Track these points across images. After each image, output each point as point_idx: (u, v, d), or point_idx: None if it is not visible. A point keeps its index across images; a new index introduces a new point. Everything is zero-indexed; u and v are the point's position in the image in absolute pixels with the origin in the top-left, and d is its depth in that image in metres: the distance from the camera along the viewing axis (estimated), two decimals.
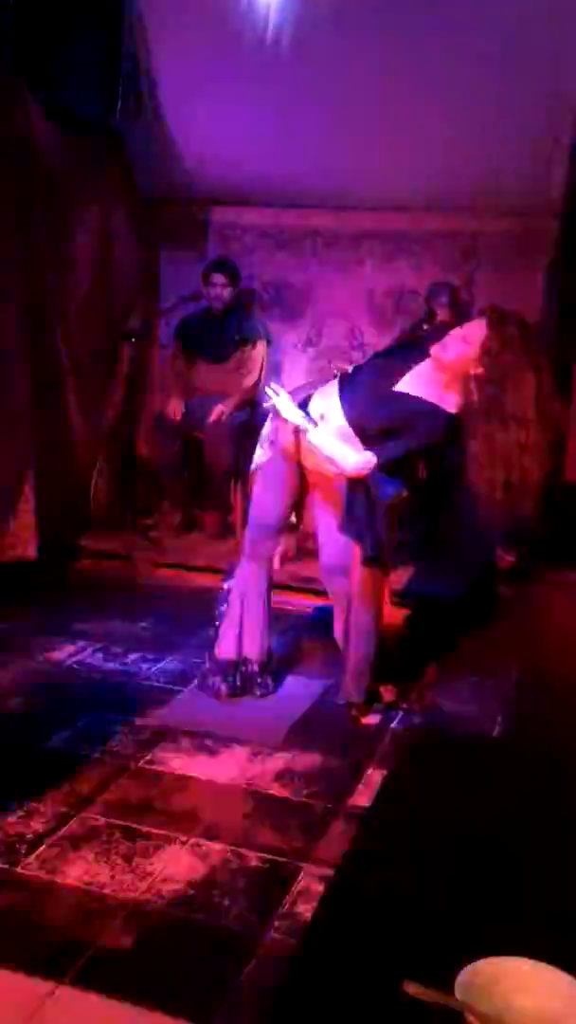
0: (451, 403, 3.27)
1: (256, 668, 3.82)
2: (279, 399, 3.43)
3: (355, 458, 3.33)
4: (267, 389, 3.50)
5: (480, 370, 3.14)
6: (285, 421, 3.47)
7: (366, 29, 4.87)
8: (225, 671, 3.79)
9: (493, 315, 3.20)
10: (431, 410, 3.28)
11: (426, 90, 5.01)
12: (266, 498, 3.70)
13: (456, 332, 3.23)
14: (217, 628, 3.83)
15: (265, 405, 3.53)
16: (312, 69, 5.08)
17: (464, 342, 3.18)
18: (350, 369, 3.53)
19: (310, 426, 3.36)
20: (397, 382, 3.35)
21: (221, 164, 5.79)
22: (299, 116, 5.33)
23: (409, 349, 3.46)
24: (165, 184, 6.13)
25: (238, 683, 3.80)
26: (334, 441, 3.35)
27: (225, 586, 3.85)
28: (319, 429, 3.36)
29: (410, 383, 3.35)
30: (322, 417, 3.44)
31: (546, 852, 1.63)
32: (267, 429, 3.69)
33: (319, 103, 5.24)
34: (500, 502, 3.19)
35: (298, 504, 4.01)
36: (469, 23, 4.70)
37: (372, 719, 3.66)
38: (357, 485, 3.42)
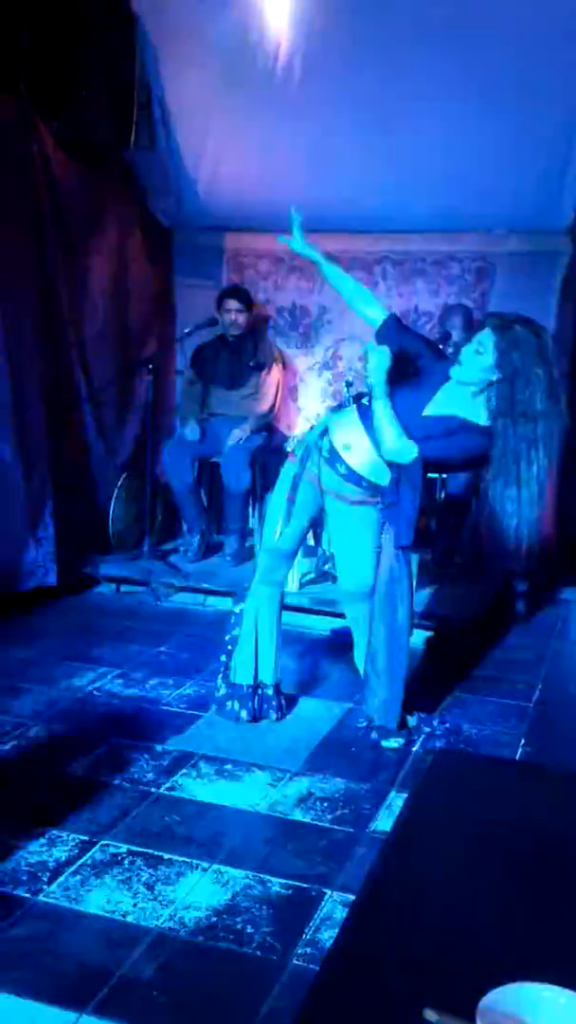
0: (481, 415, 3.31)
1: (272, 691, 3.82)
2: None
3: (397, 442, 3.31)
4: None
5: (499, 375, 3.21)
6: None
7: (376, 55, 4.90)
8: (243, 696, 3.79)
9: (497, 320, 3.28)
10: (468, 426, 3.32)
11: (438, 113, 5.03)
12: (283, 526, 3.70)
13: (468, 348, 3.28)
14: (230, 653, 3.83)
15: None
16: (324, 95, 5.12)
17: (478, 354, 3.23)
18: (365, 400, 3.54)
19: (380, 393, 3.35)
20: (423, 407, 3.38)
21: (234, 191, 5.83)
22: (311, 142, 5.37)
23: (426, 376, 3.47)
24: (179, 212, 6.18)
25: (256, 707, 3.80)
26: (390, 419, 3.33)
27: (236, 609, 3.86)
28: (378, 403, 3.36)
29: (438, 406, 3.38)
30: (346, 446, 3.47)
31: (570, 876, 1.61)
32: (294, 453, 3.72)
33: (331, 129, 5.27)
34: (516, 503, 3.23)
35: (316, 527, 4.01)
36: (480, 44, 4.73)
37: (394, 743, 3.66)
38: (399, 473, 3.40)
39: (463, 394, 3.34)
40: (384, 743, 3.66)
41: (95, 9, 5.07)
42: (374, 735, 3.68)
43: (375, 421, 3.36)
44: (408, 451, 3.29)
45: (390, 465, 3.38)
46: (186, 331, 5.83)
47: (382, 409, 3.34)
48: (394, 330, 3.54)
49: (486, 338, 3.23)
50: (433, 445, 3.30)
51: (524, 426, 3.19)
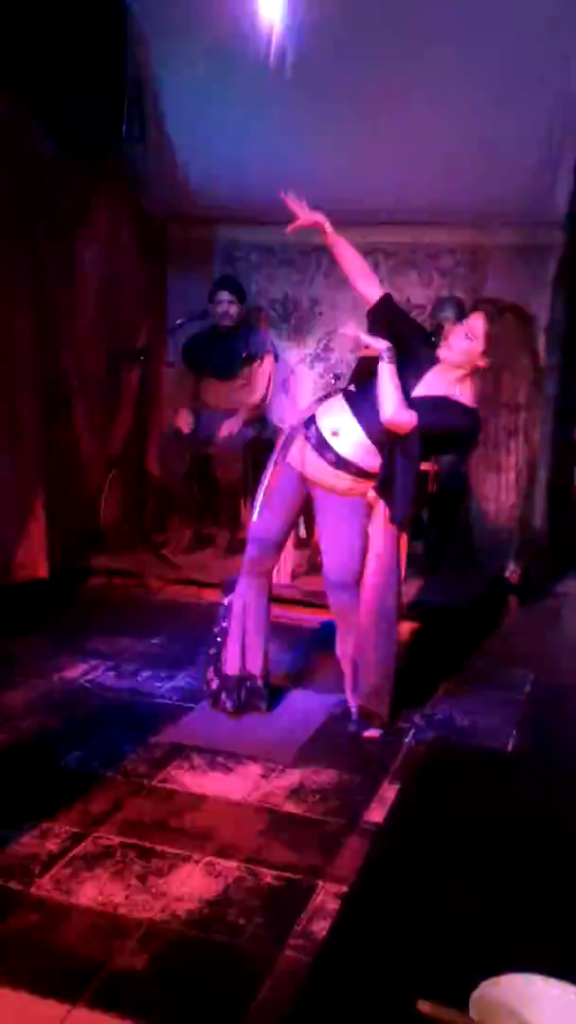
0: (467, 398, 3.34)
1: (260, 683, 3.83)
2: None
3: (399, 408, 3.31)
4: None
5: (486, 362, 3.25)
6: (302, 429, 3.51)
7: (368, 47, 4.89)
8: (230, 687, 3.79)
9: (489, 308, 3.32)
10: (458, 405, 3.32)
11: (430, 105, 5.02)
12: (267, 514, 3.70)
13: (459, 331, 3.31)
14: (220, 644, 3.83)
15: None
16: (315, 87, 5.11)
17: (468, 338, 3.26)
18: (352, 386, 3.53)
19: (384, 353, 3.36)
20: (411, 389, 3.39)
21: (226, 183, 5.81)
22: (303, 134, 5.35)
23: (415, 359, 3.47)
24: (170, 204, 6.16)
25: (243, 699, 3.80)
26: (392, 384, 3.33)
27: (225, 601, 3.85)
28: (384, 367, 3.35)
29: (426, 388, 3.39)
30: (334, 434, 3.46)
31: (561, 867, 1.62)
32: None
33: (322, 121, 5.26)
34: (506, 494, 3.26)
35: (307, 518, 3.99)
36: (471, 37, 4.72)
37: (374, 733, 3.66)
38: (390, 447, 3.39)
39: (450, 377, 3.37)
40: (365, 733, 3.67)
41: (87, 2, 5.05)
42: (351, 726, 3.69)
43: (380, 386, 3.35)
44: (407, 417, 3.29)
45: (382, 445, 3.38)
46: (178, 323, 5.82)
47: (388, 373, 3.34)
48: (388, 309, 3.54)
49: (477, 325, 3.25)
50: (424, 417, 3.31)
51: (508, 416, 3.22)
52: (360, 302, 3.63)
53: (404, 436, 3.33)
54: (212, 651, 3.86)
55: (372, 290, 3.54)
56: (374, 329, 3.49)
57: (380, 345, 3.36)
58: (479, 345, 3.24)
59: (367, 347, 3.46)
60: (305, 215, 3.53)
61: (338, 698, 3.90)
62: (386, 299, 3.54)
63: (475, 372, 3.30)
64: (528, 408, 3.25)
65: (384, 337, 3.44)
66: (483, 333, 3.23)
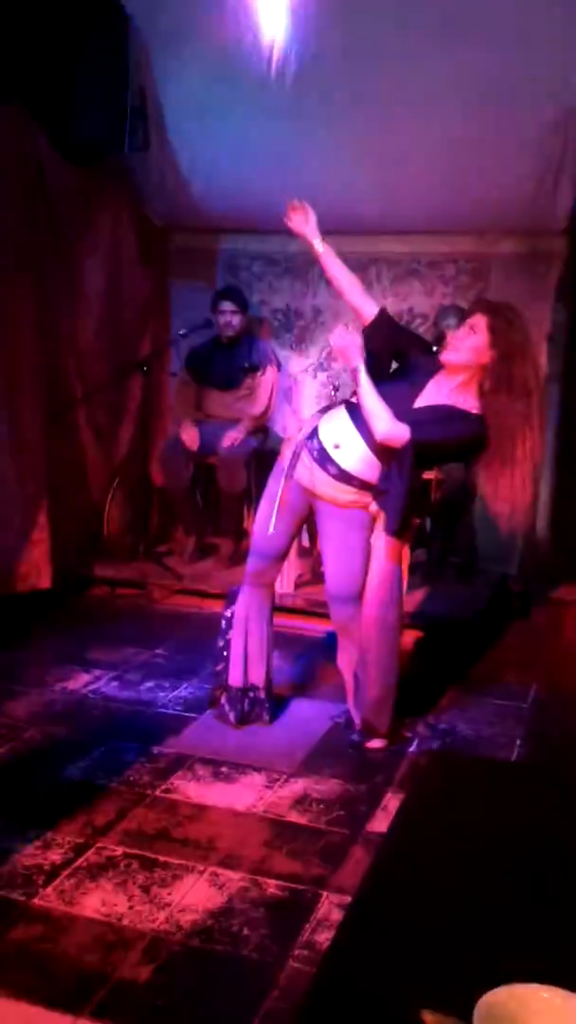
0: (472, 404, 3.31)
1: (263, 694, 3.82)
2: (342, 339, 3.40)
3: (389, 424, 3.28)
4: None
5: (492, 354, 3.23)
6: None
7: (372, 57, 4.90)
8: (232, 698, 3.78)
9: (486, 305, 3.35)
10: (461, 413, 3.31)
11: (432, 114, 5.03)
12: (270, 525, 3.69)
13: (459, 332, 3.30)
14: (226, 658, 3.82)
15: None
16: (318, 97, 5.12)
17: (471, 334, 3.25)
18: (354, 397, 3.53)
19: (362, 369, 3.33)
20: (414, 401, 3.37)
21: (228, 192, 5.82)
22: (306, 144, 5.36)
23: (415, 370, 3.46)
24: (173, 213, 6.17)
25: (246, 710, 3.80)
26: (377, 400, 3.31)
27: (227, 613, 3.85)
28: (364, 385, 3.32)
29: (428, 398, 3.38)
30: (336, 446, 3.45)
31: (567, 877, 1.61)
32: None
33: (325, 130, 5.27)
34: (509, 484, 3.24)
35: (310, 528, 3.98)
36: (473, 46, 4.72)
37: (377, 743, 3.66)
38: (390, 459, 3.35)
39: (453, 384, 3.35)
40: (367, 744, 3.66)
41: (89, 11, 5.07)
42: (355, 736, 3.68)
43: (363, 404, 3.34)
44: (400, 432, 3.28)
45: (382, 458, 3.37)
46: (181, 333, 5.82)
47: (367, 389, 3.31)
48: (386, 324, 3.54)
49: (478, 320, 3.25)
50: (426, 429, 3.29)
51: (520, 401, 3.20)
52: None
53: (400, 450, 3.31)
54: (219, 667, 3.85)
55: (368, 306, 3.54)
56: (372, 345, 3.47)
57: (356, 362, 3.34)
58: (483, 338, 3.23)
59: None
60: (295, 223, 3.56)
61: (341, 708, 3.89)
62: (382, 314, 3.55)
63: (482, 370, 3.28)
64: (538, 392, 3.23)
65: (384, 352, 3.44)
66: (484, 326, 3.23)
